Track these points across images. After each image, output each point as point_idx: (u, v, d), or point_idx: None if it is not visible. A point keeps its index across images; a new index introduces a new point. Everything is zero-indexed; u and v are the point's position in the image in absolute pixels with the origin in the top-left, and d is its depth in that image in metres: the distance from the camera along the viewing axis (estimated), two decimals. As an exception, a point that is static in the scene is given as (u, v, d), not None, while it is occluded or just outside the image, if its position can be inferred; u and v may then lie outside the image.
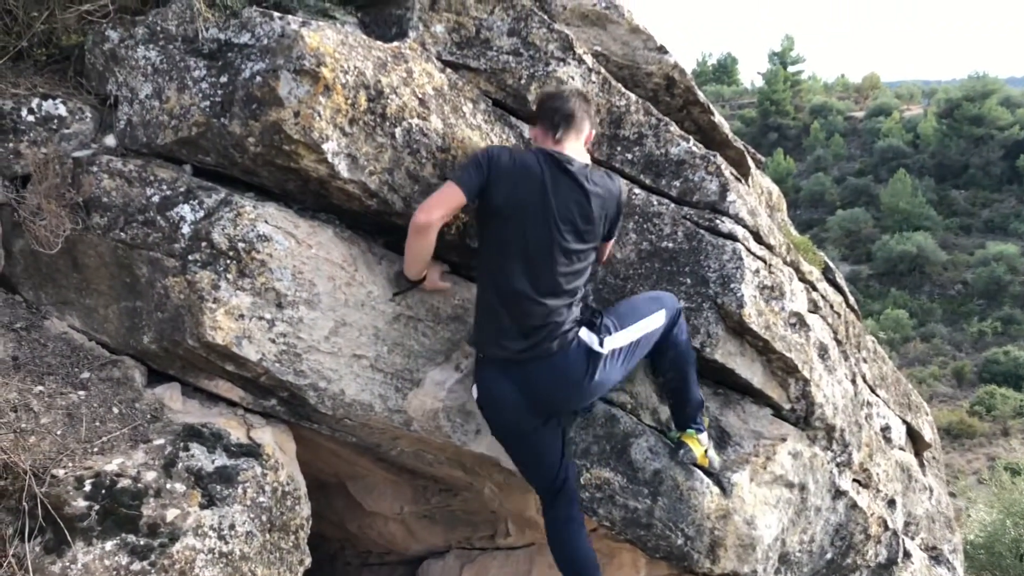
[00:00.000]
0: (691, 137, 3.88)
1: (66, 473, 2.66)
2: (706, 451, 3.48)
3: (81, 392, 2.95)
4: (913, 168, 41.57)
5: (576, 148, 3.22)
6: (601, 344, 3.11)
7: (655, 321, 3.28)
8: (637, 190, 3.69)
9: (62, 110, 3.20)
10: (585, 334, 3.12)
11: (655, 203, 3.67)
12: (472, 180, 3.02)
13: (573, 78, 3.60)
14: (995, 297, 33.71)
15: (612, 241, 3.41)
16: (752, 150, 4.82)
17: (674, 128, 3.83)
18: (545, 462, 3.30)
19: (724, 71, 60.63)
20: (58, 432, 2.78)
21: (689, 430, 3.47)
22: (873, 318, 30.94)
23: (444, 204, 2.99)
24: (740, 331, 3.60)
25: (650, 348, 3.32)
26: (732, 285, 3.54)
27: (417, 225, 2.98)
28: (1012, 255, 34.64)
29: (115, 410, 2.94)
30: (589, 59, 3.69)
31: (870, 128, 46.52)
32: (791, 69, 51.96)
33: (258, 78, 2.96)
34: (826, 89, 56.07)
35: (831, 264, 4.94)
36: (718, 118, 4.31)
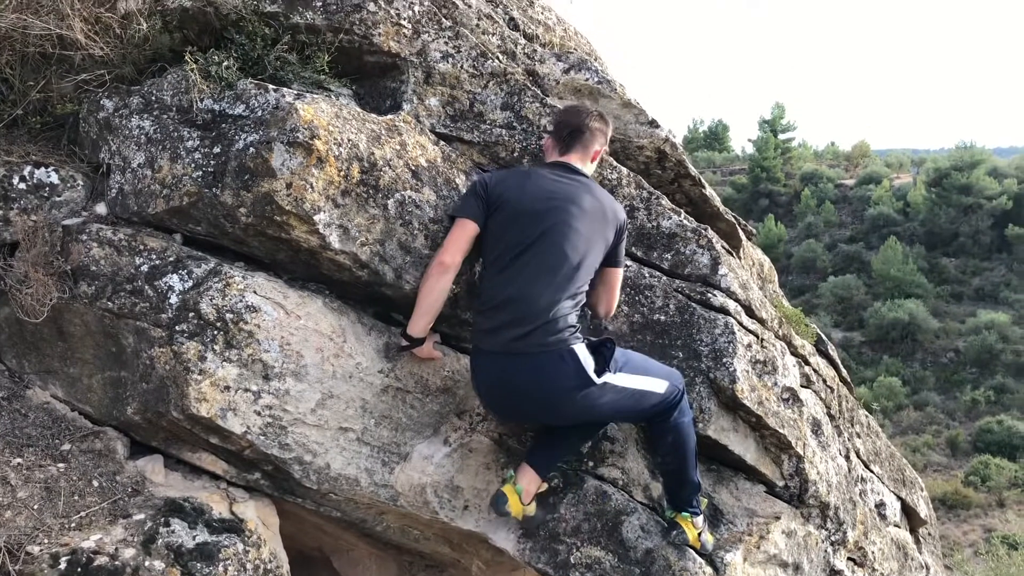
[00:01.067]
0: (682, 210, 3.90)
1: (41, 550, 2.59)
2: (699, 534, 3.39)
3: (61, 464, 2.89)
4: (904, 236, 41.89)
5: (580, 163, 3.33)
6: (598, 374, 3.05)
7: (657, 385, 3.22)
8: (629, 262, 3.68)
9: (54, 178, 3.20)
10: (583, 353, 3.04)
11: (647, 276, 3.66)
12: (472, 207, 3.16)
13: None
14: (987, 366, 33.67)
15: (620, 272, 3.38)
16: (743, 222, 4.84)
17: (665, 201, 3.85)
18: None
19: (715, 138, 61.46)
20: (35, 506, 2.71)
21: (684, 513, 3.39)
22: (866, 385, 30.83)
23: (456, 241, 3.12)
24: (733, 407, 3.57)
25: (640, 410, 3.22)
26: (725, 360, 3.51)
27: (441, 264, 3.08)
28: (1003, 324, 34.71)
29: (95, 483, 2.88)
30: (582, 133, 3.71)
31: (860, 196, 46.99)
32: (782, 136, 52.67)
33: (251, 149, 2.97)
34: (816, 156, 56.79)
35: (823, 336, 4.92)
36: (709, 191, 4.33)
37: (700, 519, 3.41)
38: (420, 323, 3.14)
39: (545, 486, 3.32)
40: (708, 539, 3.44)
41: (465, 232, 3.13)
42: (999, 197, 41.77)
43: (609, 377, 3.08)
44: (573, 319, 3.08)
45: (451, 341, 3.37)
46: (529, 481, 3.22)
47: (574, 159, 3.32)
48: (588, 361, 3.04)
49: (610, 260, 3.30)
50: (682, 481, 3.37)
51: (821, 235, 44.78)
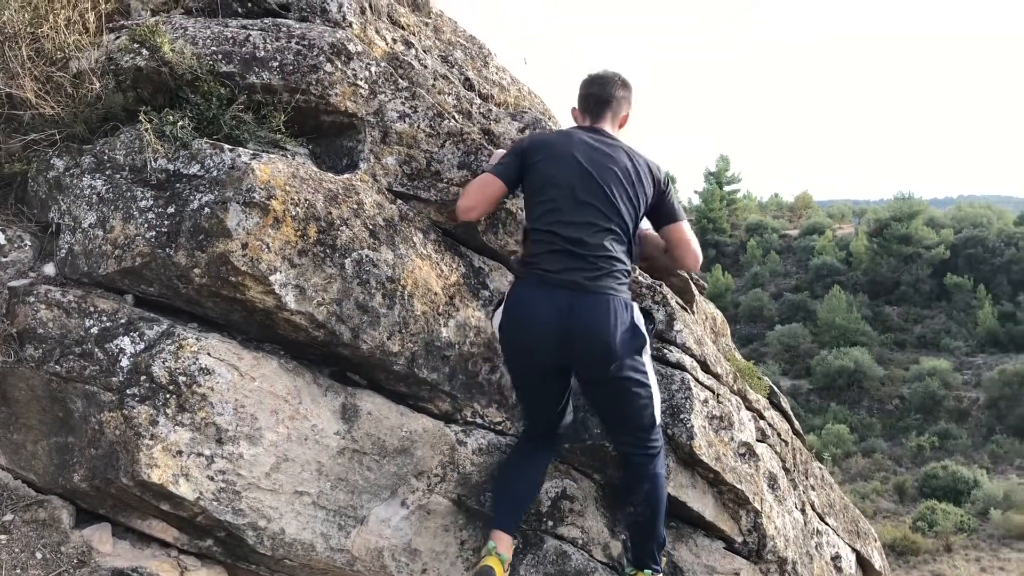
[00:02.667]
0: (636, 266, 3.94)
1: (-20, 628, 2.47)
2: None
3: (2, 536, 2.77)
4: (847, 285, 42.79)
5: (611, 129, 3.46)
6: (649, 333, 3.19)
7: (658, 401, 3.26)
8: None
9: (0, 238, 3.13)
10: (638, 314, 3.17)
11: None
12: (504, 166, 3.34)
13: (521, 209, 3.64)
14: (931, 412, 34.30)
15: (684, 224, 3.47)
16: (695, 276, 4.91)
17: (621, 258, 3.88)
18: (542, 411, 3.31)
19: (663, 189, 62.46)
20: (-26, 581, 2.59)
21: (647, 570, 3.35)
22: (815, 433, 31.15)
23: (477, 191, 3.34)
24: (691, 462, 3.58)
25: (639, 410, 3.19)
26: (682, 416, 3.53)
27: (459, 210, 3.37)
28: (945, 370, 35.47)
29: (38, 555, 2.77)
30: (537, 191, 3.75)
31: (804, 246, 48.00)
32: (727, 188, 53.73)
33: (207, 209, 2.94)
34: (761, 208, 57.98)
35: (775, 388, 4.98)
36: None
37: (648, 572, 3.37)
38: None
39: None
40: None
41: (487, 186, 3.33)
42: (937, 247, 42.99)
43: (647, 351, 3.19)
44: (626, 274, 3.19)
45: (408, 401, 3.34)
46: (507, 547, 3.17)
47: (605, 125, 3.45)
48: (642, 322, 3.17)
49: (668, 217, 3.44)
50: (651, 534, 3.33)
51: (767, 284, 45.54)
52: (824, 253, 45.96)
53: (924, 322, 42.04)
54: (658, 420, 3.25)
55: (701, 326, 4.30)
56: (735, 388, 4.04)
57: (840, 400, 36.23)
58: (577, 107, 3.55)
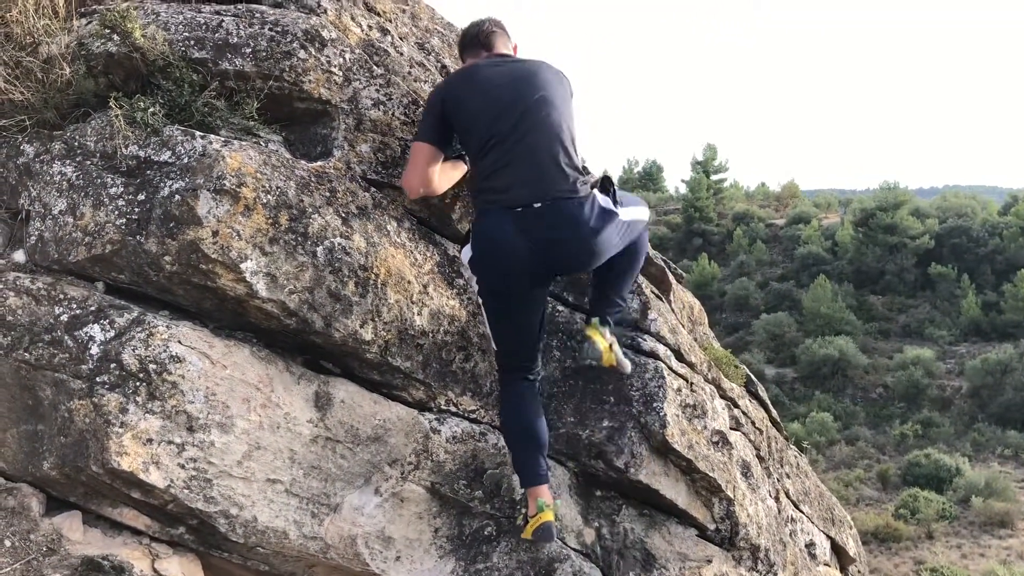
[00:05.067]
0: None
1: (-53, 615, 2.47)
2: (611, 346, 3.42)
3: (-30, 524, 2.76)
4: (833, 274, 42.93)
5: (508, 52, 3.52)
6: (615, 206, 3.26)
7: (642, 214, 3.47)
8: (560, 307, 3.71)
9: (-31, 225, 3.11)
10: (601, 197, 3.24)
11: (578, 321, 3.69)
12: (428, 127, 3.31)
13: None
14: (914, 400, 34.54)
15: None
16: (673, 266, 4.92)
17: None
18: (523, 336, 3.31)
19: (650, 178, 62.39)
20: (-59, 569, 2.58)
21: (597, 319, 3.44)
22: (799, 421, 31.35)
23: (416, 165, 3.29)
24: (664, 451, 3.59)
25: (634, 238, 3.43)
26: (655, 404, 3.55)
27: (410, 191, 3.35)
28: (928, 359, 35.70)
29: (7, 543, 2.76)
30: (513, 179, 3.74)
31: (790, 235, 48.13)
32: (714, 177, 53.75)
33: (177, 196, 2.93)
34: (748, 197, 58.04)
35: (753, 377, 5.00)
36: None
37: (609, 331, 3.46)
38: None
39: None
40: (621, 357, 3.49)
41: (423, 155, 3.28)
42: (922, 237, 43.20)
43: (621, 211, 3.29)
44: (580, 174, 3.23)
45: (382, 389, 3.34)
46: (550, 495, 3.25)
47: (500, 50, 3.50)
48: (607, 201, 3.25)
49: None
50: (619, 286, 3.50)
51: (753, 273, 45.66)
52: (810, 242, 46.11)
53: (908, 311, 42.27)
54: (646, 216, 3.53)
55: (677, 315, 4.32)
56: (709, 377, 4.06)
57: (824, 388, 36.43)
58: (468, 55, 3.56)
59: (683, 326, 4.33)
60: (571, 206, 3.13)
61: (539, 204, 3.12)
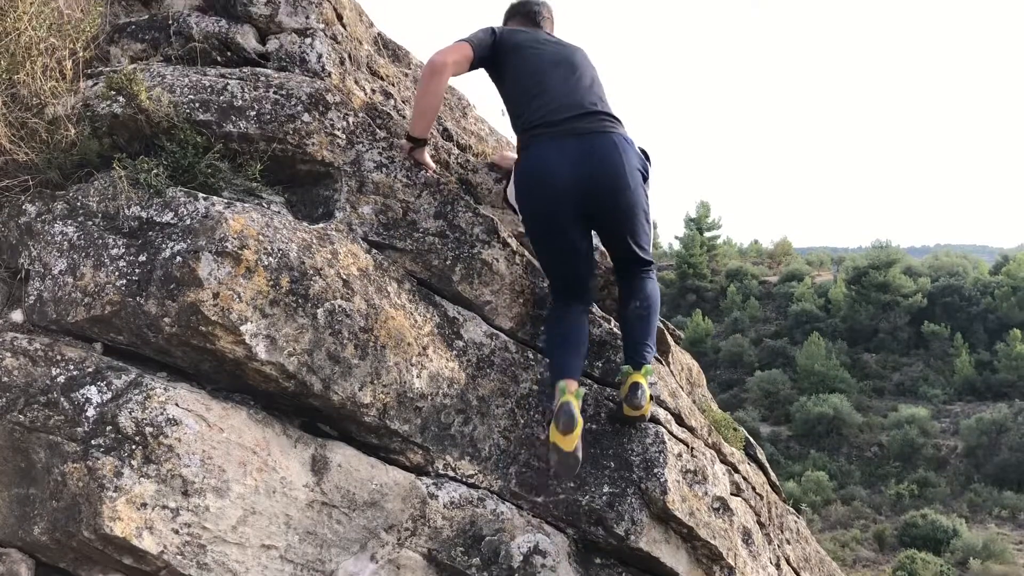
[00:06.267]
0: (611, 317, 3.95)
1: None
2: (650, 385, 3.53)
3: (-43, 591, 2.70)
4: (826, 331, 43.04)
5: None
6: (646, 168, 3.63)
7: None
8: (560, 370, 3.69)
9: (-32, 284, 3.09)
10: (637, 149, 3.60)
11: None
12: (479, 38, 3.59)
13: (497, 260, 3.65)
14: (910, 459, 34.37)
15: None
16: (671, 327, 4.91)
17: (595, 309, 3.90)
18: (578, 271, 3.57)
19: (644, 235, 62.72)
20: (-74, 639, 2.51)
21: (644, 366, 3.48)
22: (795, 480, 31.12)
23: (454, 50, 3.53)
24: (664, 518, 3.54)
25: (647, 224, 3.64)
26: (655, 470, 3.51)
27: (433, 65, 3.48)
28: (923, 418, 35.63)
29: (-6, 611, 2.69)
30: (513, 242, 3.77)
31: (784, 292, 48.36)
32: (707, 234, 54.15)
33: (178, 258, 2.93)
34: (741, 254, 58.45)
35: (751, 440, 4.97)
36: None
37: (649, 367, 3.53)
38: (419, 125, 3.57)
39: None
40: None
41: (463, 50, 3.54)
42: (914, 295, 43.46)
43: (647, 184, 3.63)
44: (620, 123, 3.58)
45: (379, 452, 3.30)
46: (576, 388, 3.36)
47: (547, 29, 3.93)
48: (640, 161, 3.59)
49: None
50: (649, 329, 3.62)
51: (747, 330, 45.75)
52: (803, 300, 46.32)
53: (902, 369, 42.31)
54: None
55: (676, 378, 4.30)
56: (710, 441, 4.03)
57: (819, 447, 36.25)
58: (518, 21, 3.91)
59: (682, 389, 4.31)
60: (615, 139, 3.46)
61: (584, 135, 3.42)
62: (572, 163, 3.37)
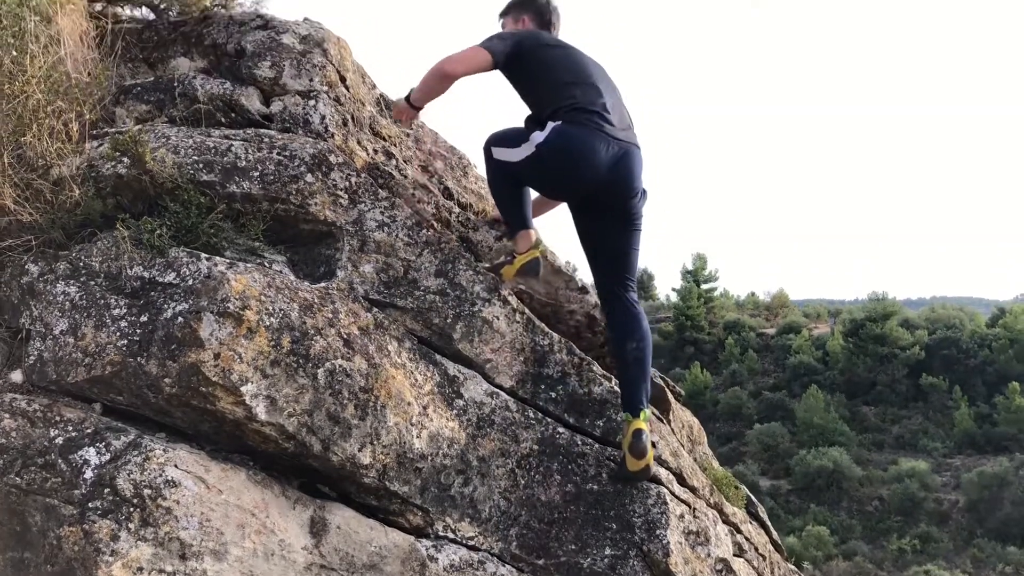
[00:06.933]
0: (612, 375, 3.94)
1: None
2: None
3: (-52, 658, 2.65)
4: (824, 384, 42.88)
5: None
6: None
7: None
8: (561, 429, 3.67)
9: (-32, 344, 3.09)
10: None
11: (579, 443, 3.65)
12: (498, 46, 3.69)
13: (498, 318, 3.66)
14: (911, 514, 33.99)
15: None
16: (672, 384, 4.91)
17: (596, 367, 3.89)
18: (628, 260, 3.80)
19: (641, 286, 62.13)
20: None
21: (644, 410, 3.54)
22: (795, 535, 30.72)
23: (468, 59, 3.66)
24: (667, 580, 3.50)
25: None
26: (658, 531, 3.47)
27: (443, 72, 3.65)
28: (924, 472, 35.32)
29: None
30: (513, 300, 3.78)
31: (781, 344, 48.26)
32: (704, 286, 54.18)
33: (180, 319, 2.93)
34: (738, 306, 58.42)
35: (752, 498, 4.93)
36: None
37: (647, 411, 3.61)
38: (421, 98, 3.76)
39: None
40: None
41: (478, 57, 3.66)
42: (912, 348, 43.39)
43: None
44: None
45: (378, 514, 3.27)
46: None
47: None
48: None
49: None
50: (646, 371, 3.70)
51: (746, 383, 45.58)
52: (801, 352, 46.23)
53: (901, 422, 42.08)
54: None
55: (677, 436, 4.28)
56: (712, 501, 4.00)
57: (820, 501, 35.87)
58: (531, 20, 4.00)
59: (683, 447, 4.28)
60: (640, 159, 3.71)
61: (622, 141, 3.62)
62: (611, 161, 3.57)
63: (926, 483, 35.31)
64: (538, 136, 3.59)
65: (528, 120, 3.75)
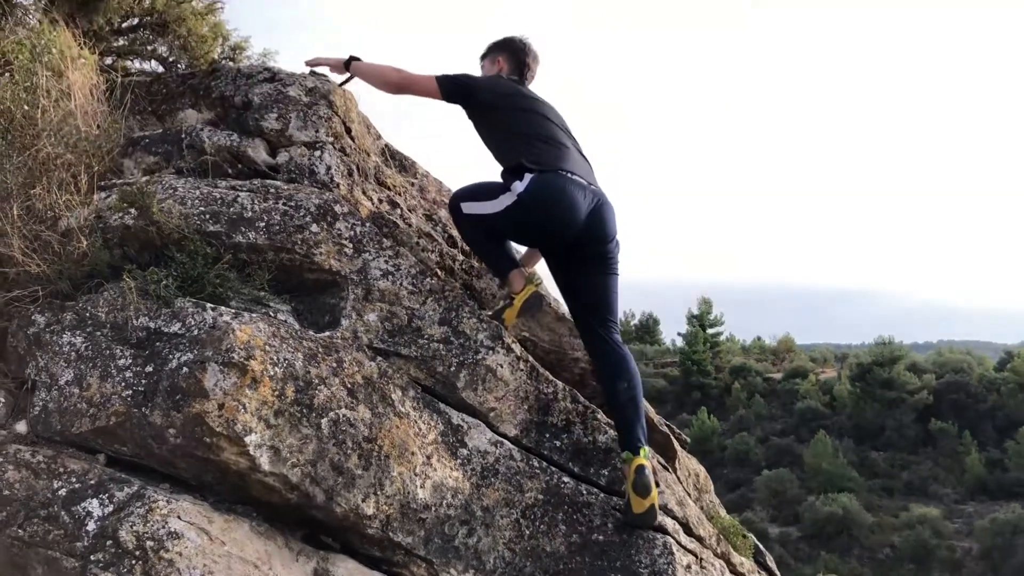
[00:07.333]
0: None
1: None
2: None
3: None
4: (832, 429, 42.49)
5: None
6: None
7: None
8: (566, 478, 3.65)
9: (-26, 395, 3.10)
10: None
11: (584, 493, 3.62)
12: (453, 84, 3.84)
13: (502, 366, 3.66)
14: (924, 562, 33.41)
15: None
16: (678, 432, 4.88)
17: (601, 415, 3.88)
18: (609, 303, 3.80)
19: (647, 331, 62.63)
20: None
21: (642, 450, 3.53)
22: (806, 584, 30.24)
23: (418, 81, 3.85)
24: (674, 633, 3.45)
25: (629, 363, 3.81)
26: (664, 582, 3.43)
27: (392, 80, 3.90)
28: (935, 519, 34.79)
29: None
30: (517, 348, 3.78)
31: (788, 389, 47.91)
32: (710, 331, 54.05)
33: (184, 369, 2.94)
34: (744, 351, 58.20)
35: (761, 547, 4.87)
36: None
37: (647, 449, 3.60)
38: (359, 74, 4.07)
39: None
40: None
41: (427, 85, 3.84)
42: (920, 392, 43.05)
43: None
44: None
45: (382, 566, 3.24)
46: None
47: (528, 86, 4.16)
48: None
49: None
50: (639, 409, 3.68)
51: (753, 428, 45.19)
52: (808, 397, 45.90)
53: (911, 468, 41.57)
54: None
55: (683, 484, 4.25)
56: (719, 551, 3.95)
57: (830, 548, 35.32)
58: (506, 61, 4.12)
59: (690, 496, 4.25)
60: (612, 208, 3.81)
61: (596, 192, 3.74)
62: (588, 208, 3.67)
63: (938, 530, 34.78)
64: (519, 186, 3.64)
65: (503, 173, 3.80)
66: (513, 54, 4.13)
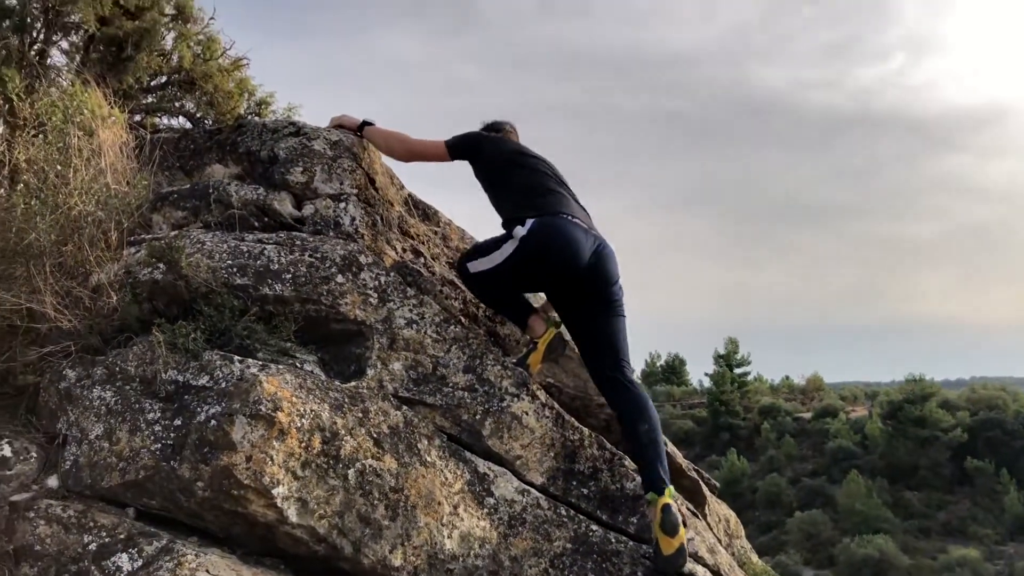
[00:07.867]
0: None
1: None
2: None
3: None
4: (865, 468, 41.87)
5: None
6: None
7: None
8: (594, 527, 3.62)
9: (7, 450, 3.13)
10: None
11: (613, 541, 3.58)
12: (461, 146, 4.05)
13: (527, 413, 3.66)
14: (965, 605, 32.69)
15: None
16: (707, 476, 4.83)
17: (628, 462, 3.85)
18: (619, 344, 3.81)
19: (673, 372, 62.33)
20: None
21: (666, 488, 3.50)
22: (843, 629, 29.57)
23: (428, 148, 4.08)
24: None
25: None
26: (696, 632, 3.38)
27: (401, 151, 4.16)
28: (975, 560, 34.01)
29: None
30: (542, 394, 3.78)
31: (818, 429, 47.34)
32: (737, 371, 53.69)
33: (213, 422, 2.96)
34: (772, 390, 57.66)
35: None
36: (671, 448, 4.35)
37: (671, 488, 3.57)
38: (370, 140, 4.27)
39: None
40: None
41: (438, 149, 4.06)
42: (954, 430, 42.33)
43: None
44: None
45: (411, 617, 3.21)
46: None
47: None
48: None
49: None
50: (660, 448, 3.67)
51: (784, 469, 44.58)
52: (839, 436, 45.28)
53: (947, 508, 40.74)
54: None
55: (714, 531, 4.20)
56: (751, 599, 3.89)
57: (867, 592, 34.55)
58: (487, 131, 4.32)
59: (720, 542, 4.19)
60: (608, 245, 3.84)
61: (592, 232, 3.81)
62: (591, 249, 3.72)
63: (978, 572, 33.92)
64: (520, 230, 3.70)
65: (504, 224, 3.87)
66: (491, 130, 4.35)
